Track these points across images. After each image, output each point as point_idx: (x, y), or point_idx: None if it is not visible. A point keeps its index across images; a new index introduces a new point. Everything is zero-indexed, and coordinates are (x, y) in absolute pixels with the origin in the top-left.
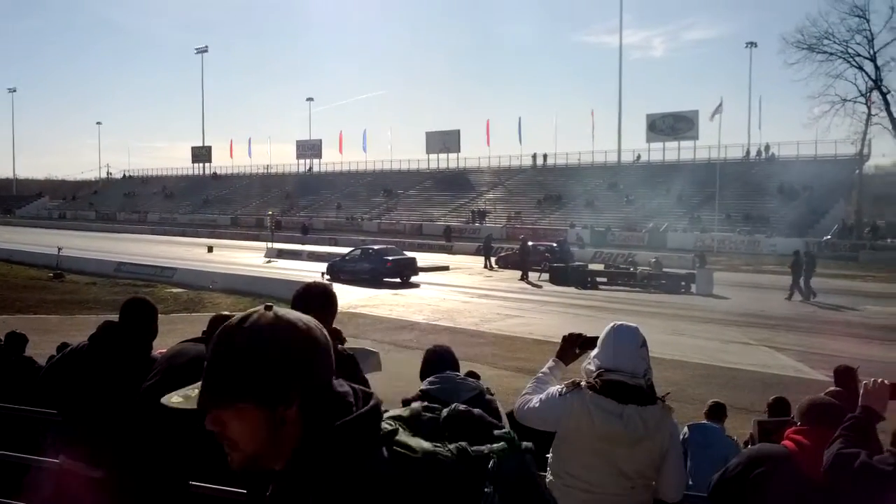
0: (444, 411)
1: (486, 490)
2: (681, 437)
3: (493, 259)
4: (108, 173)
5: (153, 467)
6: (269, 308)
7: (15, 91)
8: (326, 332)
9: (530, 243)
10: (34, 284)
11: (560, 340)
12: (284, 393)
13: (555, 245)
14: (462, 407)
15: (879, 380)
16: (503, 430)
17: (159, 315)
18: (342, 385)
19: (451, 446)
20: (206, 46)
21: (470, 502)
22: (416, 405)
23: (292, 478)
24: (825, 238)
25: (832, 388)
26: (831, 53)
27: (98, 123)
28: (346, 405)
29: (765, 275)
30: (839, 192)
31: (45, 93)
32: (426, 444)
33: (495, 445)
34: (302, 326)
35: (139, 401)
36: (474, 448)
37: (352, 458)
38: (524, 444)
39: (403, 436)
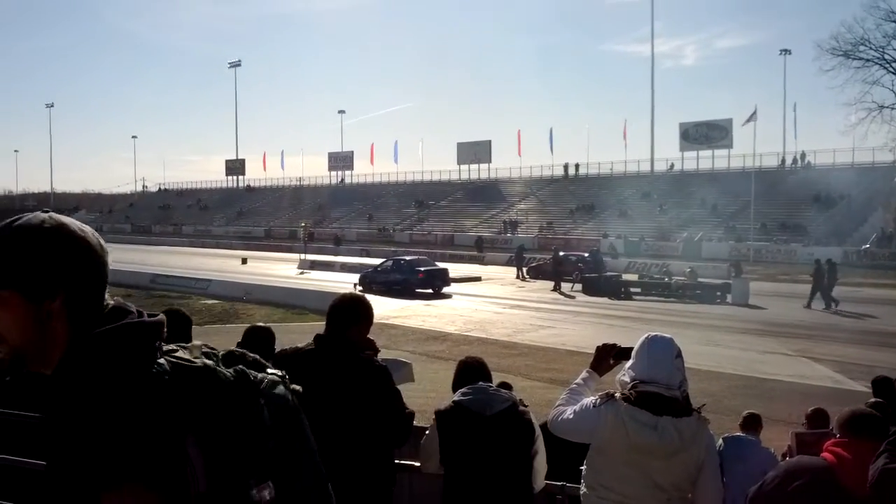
0: (222, 350)
1: (261, 402)
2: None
3: (524, 269)
4: (143, 186)
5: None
6: (45, 211)
7: (52, 106)
8: (104, 244)
9: (562, 253)
10: None
11: (594, 351)
12: (47, 285)
13: (586, 255)
14: (238, 350)
15: None
16: (276, 370)
17: (194, 327)
18: (129, 306)
19: (230, 369)
20: (240, 60)
21: (245, 414)
22: (196, 342)
23: (57, 381)
24: (864, 247)
25: (872, 399)
26: (867, 60)
27: (133, 137)
28: (123, 313)
29: (802, 284)
30: (877, 200)
31: (82, 108)
32: (208, 360)
33: (268, 375)
34: (73, 227)
35: None
36: (251, 372)
37: (123, 363)
38: (294, 386)
39: (182, 353)
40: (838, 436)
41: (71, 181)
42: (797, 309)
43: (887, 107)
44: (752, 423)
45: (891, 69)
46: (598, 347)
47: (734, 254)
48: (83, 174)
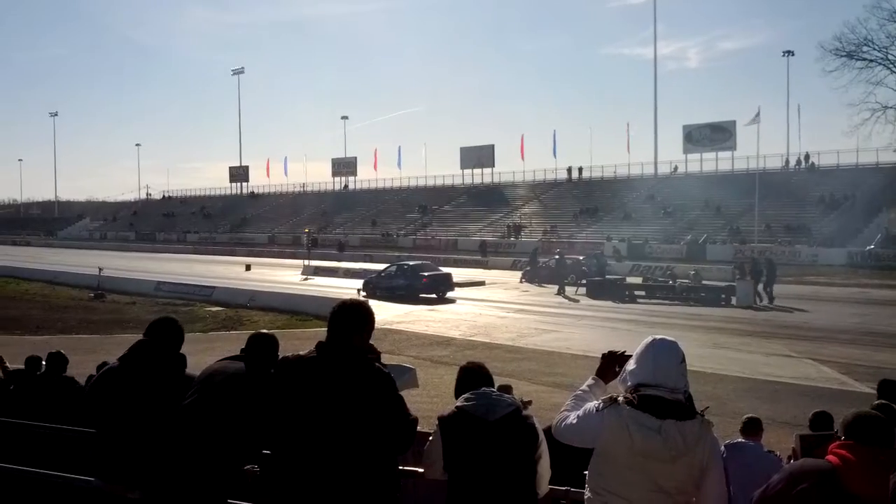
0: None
1: None
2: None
3: (526, 273)
4: (147, 194)
5: (190, 486)
6: None
7: (56, 115)
8: None
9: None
10: (76, 305)
11: (598, 355)
12: None
13: (581, 259)
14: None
15: None
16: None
17: (197, 333)
18: None
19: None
20: (243, 68)
21: None
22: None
23: None
24: (868, 248)
25: (878, 402)
26: (871, 60)
27: (137, 145)
28: None
29: (806, 286)
30: (882, 201)
31: (86, 116)
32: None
33: None
34: None
35: (178, 419)
36: None
37: None
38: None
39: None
40: (843, 438)
41: (75, 189)
42: (802, 311)
43: (891, 107)
44: (753, 428)
45: (894, 69)
46: (603, 355)
47: (738, 256)
48: (87, 182)
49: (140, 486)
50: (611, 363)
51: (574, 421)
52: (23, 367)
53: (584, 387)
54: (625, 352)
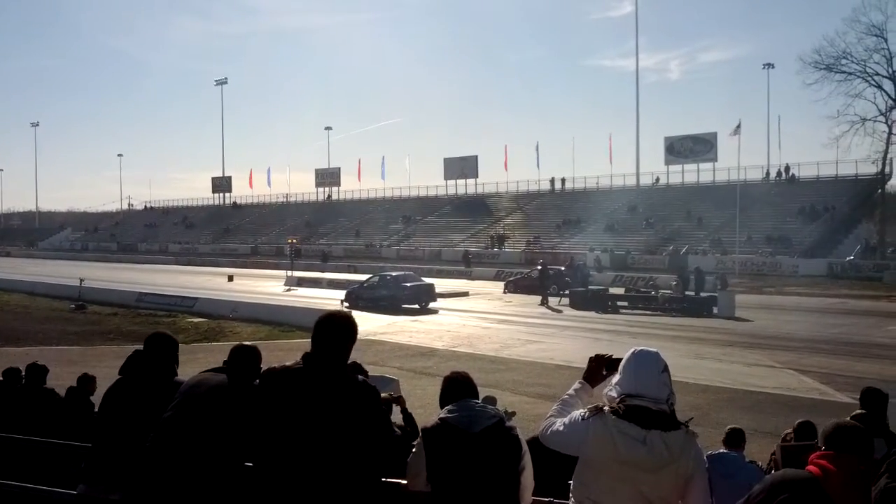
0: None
1: None
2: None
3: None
4: (129, 205)
5: (167, 493)
6: None
7: (38, 125)
8: None
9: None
10: (56, 316)
11: (585, 363)
12: None
13: (563, 269)
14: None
15: None
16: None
17: (180, 345)
18: None
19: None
20: (226, 78)
21: None
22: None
23: None
24: (848, 259)
25: (857, 412)
26: (850, 73)
27: (119, 155)
28: None
29: (788, 296)
30: (861, 212)
31: (67, 127)
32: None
33: None
34: None
35: (160, 430)
36: None
37: None
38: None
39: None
40: (823, 448)
41: (57, 200)
42: (783, 321)
43: (870, 119)
44: (736, 439)
45: (873, 82)
46: (590, 358)
47: (720, 266)
48: (69, 193)
49: (121, 489)
50: (597, 367)
51: (561, 428)
52: (1, 378)
53: (570, 391)
54: (612, 355)
